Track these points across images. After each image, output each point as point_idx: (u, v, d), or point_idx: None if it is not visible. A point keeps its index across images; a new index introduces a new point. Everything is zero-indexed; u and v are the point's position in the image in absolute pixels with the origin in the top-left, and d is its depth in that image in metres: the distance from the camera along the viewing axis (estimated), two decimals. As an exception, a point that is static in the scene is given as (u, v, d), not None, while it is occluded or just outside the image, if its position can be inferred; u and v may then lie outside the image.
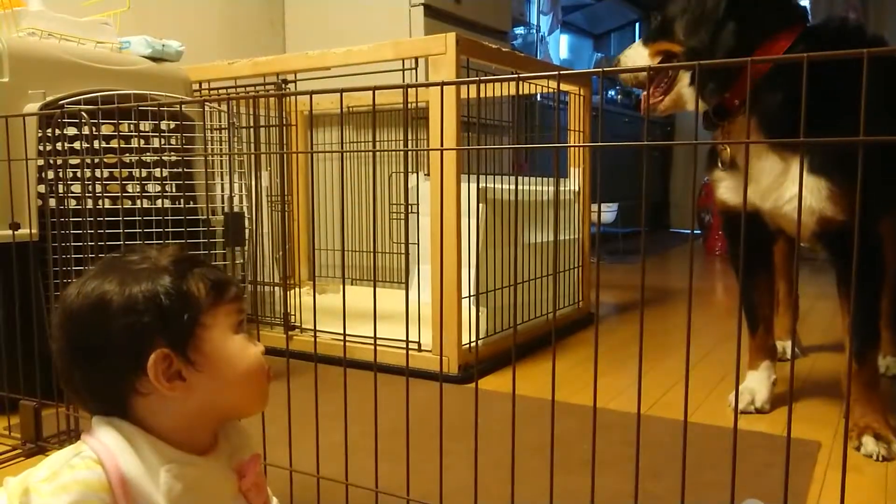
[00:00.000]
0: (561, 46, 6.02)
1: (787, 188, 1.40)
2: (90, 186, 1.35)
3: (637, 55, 1.58)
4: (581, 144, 2.07)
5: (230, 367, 0.77)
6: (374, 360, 1.03)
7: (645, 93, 1.56)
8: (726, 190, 1.54)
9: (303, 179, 2.93)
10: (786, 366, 1.98)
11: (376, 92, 1.01)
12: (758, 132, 1.37)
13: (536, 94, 3.08)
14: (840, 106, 1.24)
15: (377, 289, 1.09)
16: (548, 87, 2.29)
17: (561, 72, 0.94)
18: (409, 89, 1.07)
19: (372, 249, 1.49)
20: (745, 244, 1.54)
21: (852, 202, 1.31)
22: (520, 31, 5.03)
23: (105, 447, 0.72)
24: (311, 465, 1.08)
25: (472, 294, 1.93)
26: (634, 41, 1.65)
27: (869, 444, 1.35)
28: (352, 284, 2.83)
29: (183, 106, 1.79)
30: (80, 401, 0.79)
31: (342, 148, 1.55)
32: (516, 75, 0.98)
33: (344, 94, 1.06)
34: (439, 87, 1.01)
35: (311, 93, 1.34)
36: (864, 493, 1.21)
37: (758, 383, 1.62)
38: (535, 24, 5.12)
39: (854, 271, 0.82)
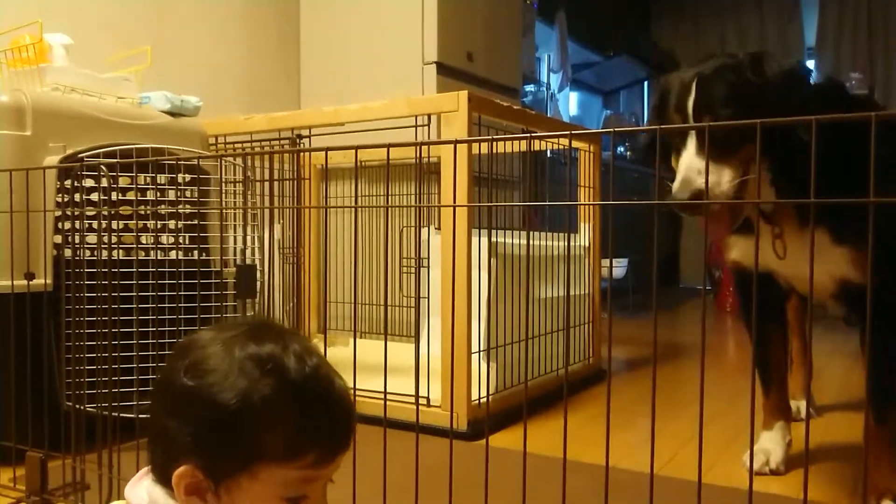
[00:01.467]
0: (570, 103, 6.12)
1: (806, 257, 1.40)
2: (106, 237, 1.36)
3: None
4: (592, 203, 2.08)
5: None
6: (385, 415, 1.02)
7: (711, 226, 1.36)
8: (739, 251, 1.53)
9: (314, 232, 2.95)
10: (800, 426, 1.95)
11: (387, 153, 1.02)
12: (773, 196, 1.36)
13: (547, 150, 3.12)
14: (855, 171, 1.25)
15: (388, 342, 1.09)
16: (559, 144, 2.32)
17: (573, 131, 0.96)
18: (421, 146, 1.09)
19: (384, 303, 1.52)
20: (758, 304, 1.54)
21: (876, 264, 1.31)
22: (530, 88, 5.11)
23: None
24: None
25: (482, 349, 1.92)
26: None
27: None
28: (361, 338, 2.82)
29: (199, 160, 1.82)
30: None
31: (355, 203, 1.57)
32: (528, 134, 1.00)
33: (358, 149, 1.08)
34: (452, 144, 1.03)
35: (327, 149, 1.36)
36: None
37: (773, 444, 1.59)
38: (546, 81, 5.21)
39: (868, 329, 0.82)
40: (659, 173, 1.23)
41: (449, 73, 3.03)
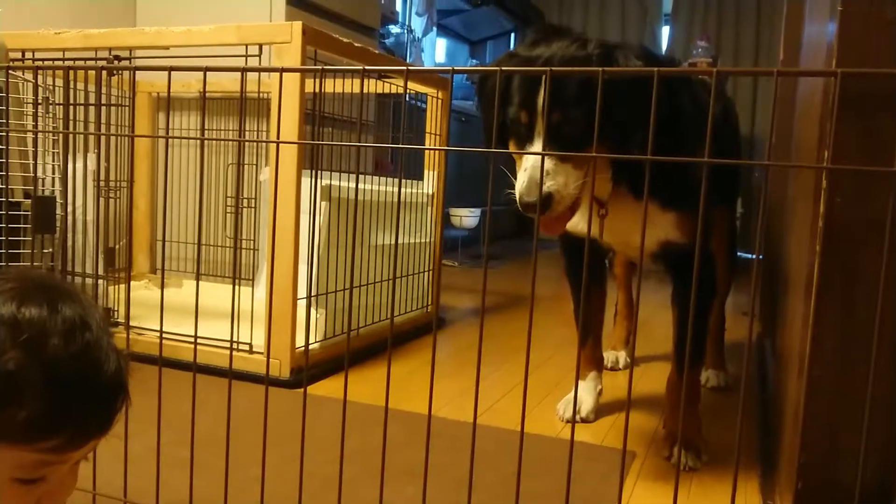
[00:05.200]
0: (437, 50, 6.04)
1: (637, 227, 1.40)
2: None
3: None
4: (428, 147, 2.04)
5: None
6: (195, 360, 0.95)
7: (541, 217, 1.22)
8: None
9: (143, 165, 2.75)
10: (615, 375, 2.04)
11: (219, 77, 0.93)
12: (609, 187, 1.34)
13: (407, 94, 3.04)
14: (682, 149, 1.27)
15: (212, 285, 1.01)
16: (411, 89, 2.25)
17: (409, 67, 0.90)
18: (246, 75, 1.00)
19: (197, 242, 1.43)
20: (581, 267, 1.57)
21: (693, 227, 1.35)
22: (395, 29, 4.99)
23: None
24: (117, 478, 0.99)
25: (309, 295, 1.85)
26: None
27: (679, 454, 1.40)
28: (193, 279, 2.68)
29: (-5, 75, 1.61)
30: None
31: (168, 133, 1.45)
32: (361, 68, 0.93)
33: (189, 77, 0.98)
34: (278, 73, 0.95)
35: (135, 69, 1.23)
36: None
37: (585, 393, 1.65)
38: (408, 24, 5.10)
39: (694, 289, 0.83)
40: (497, 121, 1.20)
41: (300, 4, 2.86)
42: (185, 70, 1.04)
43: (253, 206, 2.02)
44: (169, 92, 1.00)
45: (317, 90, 1.82)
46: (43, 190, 1.56)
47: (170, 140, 2.63)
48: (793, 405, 1.04)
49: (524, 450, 0.79)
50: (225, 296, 1.55)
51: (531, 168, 1.16)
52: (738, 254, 2.17)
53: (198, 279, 1.00)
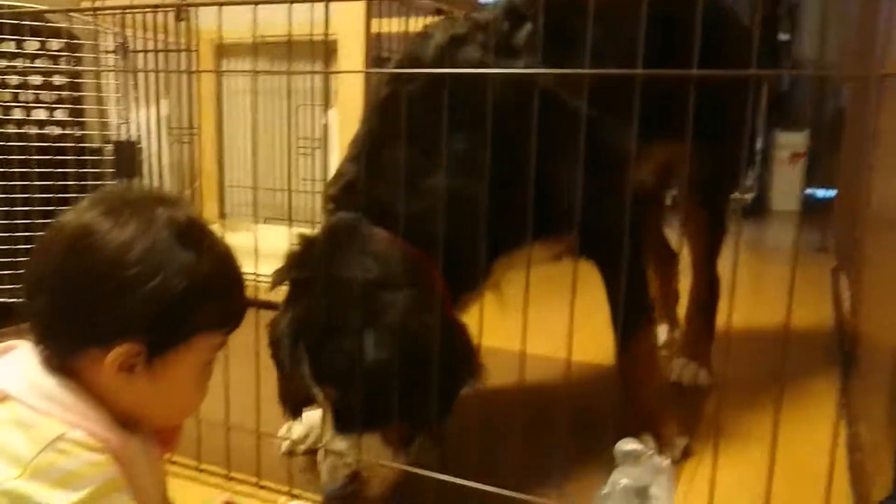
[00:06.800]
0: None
1: None
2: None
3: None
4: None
5: (177, 396, 0.71)
6: (256, 295, 0.99)
7: None
8: None
9: (210, 112, 2.80)
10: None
11: (284, 21, 0.95)
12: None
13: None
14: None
15: (280, 228, 1.05)
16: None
17: None
18: (313, 16, 1.01)
19: (254, 179, 1.47)
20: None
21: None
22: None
23: (89, 422, 0.65)
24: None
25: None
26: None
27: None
28: (265, 223, 2.75)
29: (71, 25, 1.66)
30: (32, 324, 0.68)
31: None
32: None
33: (257, 24, 1.00)
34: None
35: (187, 4, 1.24)
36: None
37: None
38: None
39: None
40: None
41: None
42: (237, 4, 1.07)
43: (319, 146, 2.05)
44: (220, 31, 1.02)
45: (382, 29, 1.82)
46: (118, 136, 1.62)
47: (235, 88, 2.67)
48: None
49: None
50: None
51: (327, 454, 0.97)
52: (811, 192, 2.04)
53: (256, 208, 1.02)
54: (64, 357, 0.67)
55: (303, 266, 0.99)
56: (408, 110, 0.95)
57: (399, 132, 0.94)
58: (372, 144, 1.04)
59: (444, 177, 0.96)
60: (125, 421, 0.69)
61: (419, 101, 0.98)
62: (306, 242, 1.01)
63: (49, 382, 0.66)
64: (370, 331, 0.92)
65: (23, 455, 0.61)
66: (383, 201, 0.96)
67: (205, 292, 0.68)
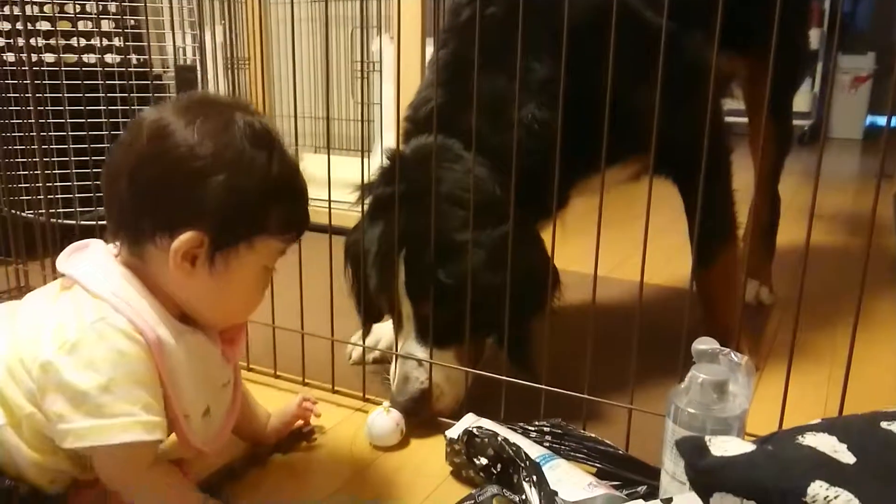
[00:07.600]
0: None
1: None
2: (33, 41, 1.26)
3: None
4: None
5: (234, 296, 0.73)
6: (329, 221, 1.01)
7: None
8: None
9: (260, 41, 2.78)
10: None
11: None
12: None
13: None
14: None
15: (333, 157, 1.04)
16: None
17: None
18: None
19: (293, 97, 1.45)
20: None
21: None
22: None
23: (134, 311, 0.67)
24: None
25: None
26: None
27: None
28: (316, 153, 2.76)
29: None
30: (108, 213, 0.71)
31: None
32: None
33: None
34: None
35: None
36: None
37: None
38: None
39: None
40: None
41: None
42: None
43: (376, 69, 2.03)
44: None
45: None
46: (181, 59, 1.63)
47: (287, 18, 2.63)
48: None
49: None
50: (344, 167, 1.59)
51: (400, 361, 1.01)
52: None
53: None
54: (135, 244, 0.69)
55: (391, 182, 0.98)
56: (490, 34, 0.93)
57: (482, 57, 0.90)
58: (455, 69, 1.02)
59: (533, 107, 0.97)
60: (185, 317, 0.72)
61: (501, 25, 0.96)
62: (397, 159, 1.01)
63: (112, 271, 0.69)
64: (478, 251, 0.93)
65: (67, 333, 0.65)
66: (471, 129, 0.93)
67: (272, 195, 0.69)
